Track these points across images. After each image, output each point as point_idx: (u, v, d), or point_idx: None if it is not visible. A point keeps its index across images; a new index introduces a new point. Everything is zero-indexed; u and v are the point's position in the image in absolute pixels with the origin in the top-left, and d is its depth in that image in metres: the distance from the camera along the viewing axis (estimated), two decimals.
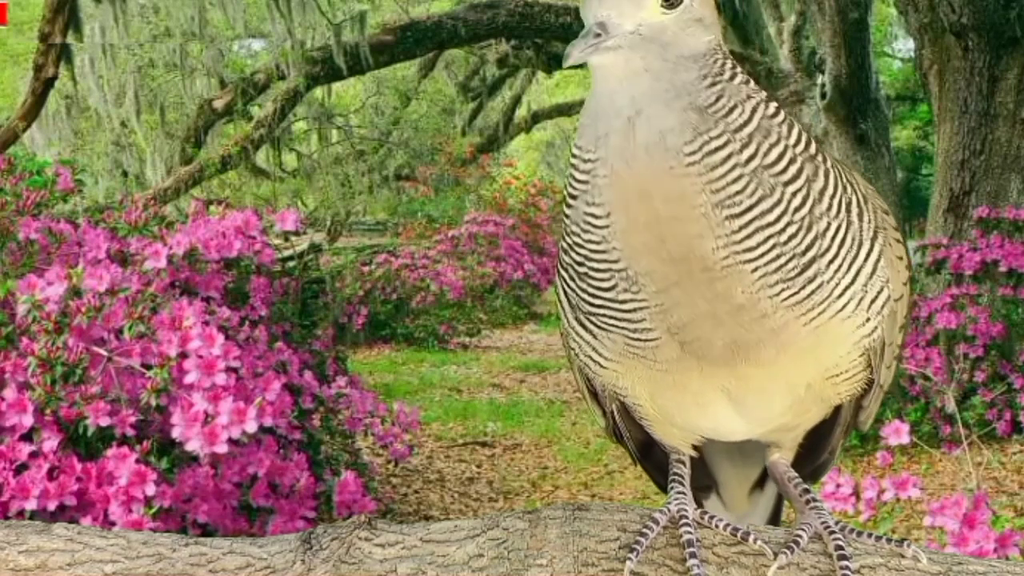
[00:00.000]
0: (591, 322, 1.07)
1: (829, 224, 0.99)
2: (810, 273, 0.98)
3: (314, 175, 14.72)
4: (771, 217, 0.96)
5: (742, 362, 1.02)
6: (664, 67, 0.98)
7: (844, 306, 1.02)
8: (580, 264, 1.03)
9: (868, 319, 1.05)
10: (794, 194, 0.98)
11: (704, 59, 0.99)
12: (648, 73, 0.98)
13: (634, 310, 1.01)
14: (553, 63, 12.54)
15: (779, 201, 0.97)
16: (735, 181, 0.96)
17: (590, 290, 1.04)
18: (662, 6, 0.99)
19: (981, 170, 6.18)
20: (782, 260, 0.97)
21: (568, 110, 16.39)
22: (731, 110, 0.97)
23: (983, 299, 5.32)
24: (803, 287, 0.98)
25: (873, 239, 1.05)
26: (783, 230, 0.97)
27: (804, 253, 0.98)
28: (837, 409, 1.19)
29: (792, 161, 0.98)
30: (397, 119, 16.06)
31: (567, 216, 1.04)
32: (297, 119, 13.73)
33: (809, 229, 0.98)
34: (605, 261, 1.00)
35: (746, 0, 8.83)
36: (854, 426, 1.25)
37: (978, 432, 4.77)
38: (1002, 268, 5.33)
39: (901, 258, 1.10)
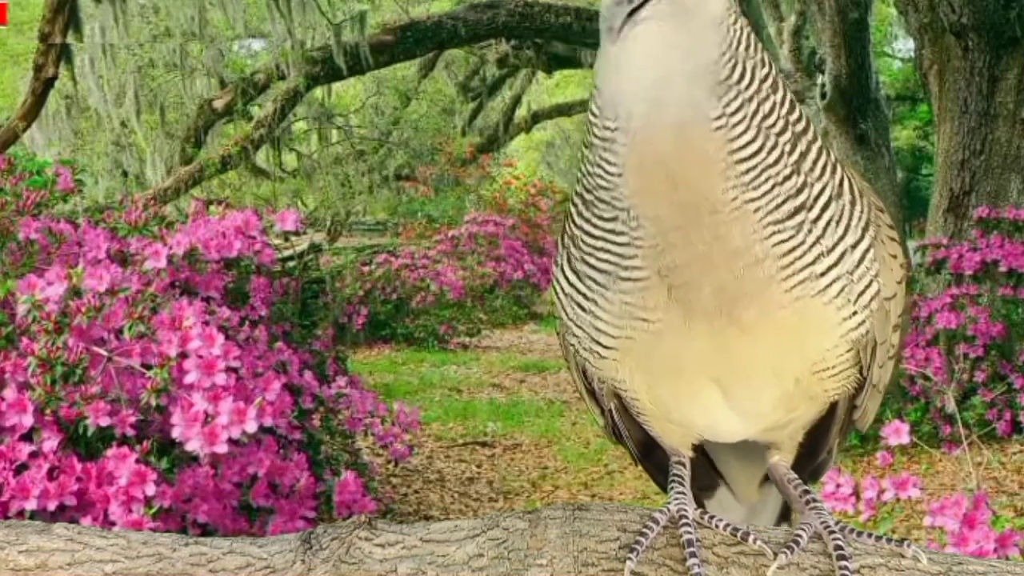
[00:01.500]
0: (586, 263, 1.08)
1: (813, 183, 1.04)
2: (798, 219, 1.02)
3: (314, 175, 14.72)
4: (771, 159, 1.02)
5: (726, 319, 1.04)
6: (689, 42, 1.00)
7: (827, 286, 1.04)
8: (588, 192, 1.07)
9: (855, 312, 1.06)
10: (786, 142, 1.03)
11: (722, 27, 1.02)
12: (675, 49, 1.00)
13: (627, 244, 1.04)
14: (553, 63, 12.56)
15: (775, 145, 1.02)
16: (746, 132, 1.01)
17: (593, 219, 1.07)
18: None
19: (981, 170, 6.18)
20: (778, 199, 1.02)
21: (568, 110, 16.40)
22: (741, 76, 1.02)
23: (983, 299, 5.32)
24: (791, 236, 1.02)
25: (864, 229, 1.07)
26: (780, 171, 1.02)
27: (796, 195, 1.03)
28: (832, 409, 1.19)
29: (779, 117, 1.04)
30: (397, 119, 16.05)
31: (585, 153, 1.08)
32: (297, 119, 13.73)
33: (798, 173, 1.03)
34: (612, 196, 1.04)
35: (746, 0, 8.83)
36: (851, 426, 1.25)
37: (978, 432, 4.77)
38: (1002, 268, 5.33)
39: (895, 257, 1.11)
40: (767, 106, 1.03)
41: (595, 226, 1.07)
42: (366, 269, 10.18)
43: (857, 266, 1.06)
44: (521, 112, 15.86)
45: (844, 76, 7.81)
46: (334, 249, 12.49)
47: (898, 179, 9.59)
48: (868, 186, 1.14)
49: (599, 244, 1.06)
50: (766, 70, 1.05)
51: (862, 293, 1.06)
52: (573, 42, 10.39)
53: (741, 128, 1.01)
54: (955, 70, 6.29)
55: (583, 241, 1.08)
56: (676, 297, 1.04)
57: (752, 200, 1.01)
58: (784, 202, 1.02)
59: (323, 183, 14.91)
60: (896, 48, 19.10)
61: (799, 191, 1.03)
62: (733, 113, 1.01)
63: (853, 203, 1.07)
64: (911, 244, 7.16)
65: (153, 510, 2.30)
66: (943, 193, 6.32)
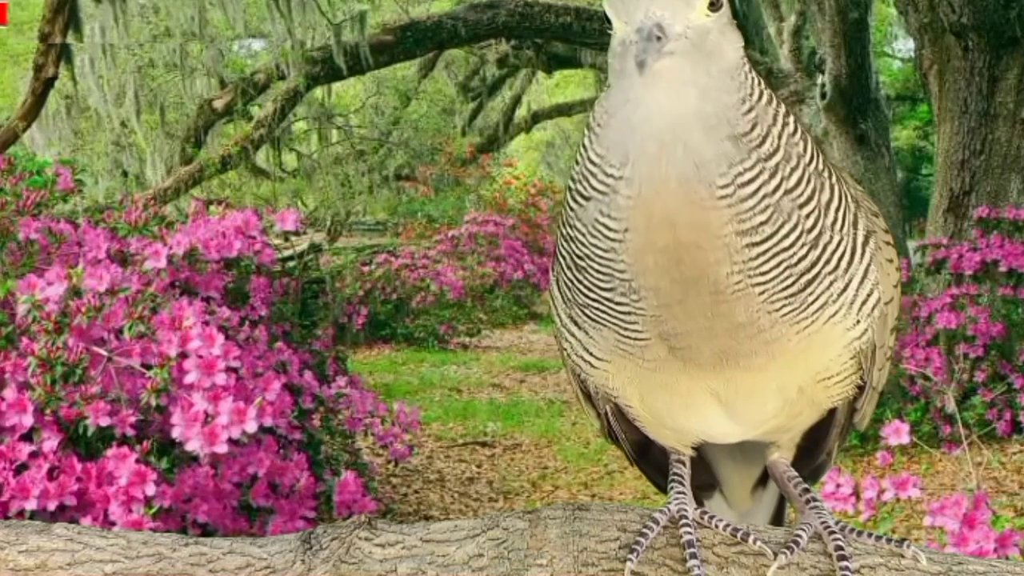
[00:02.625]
0: (584, 314, 1.06)
1: (832, 238, 1.00)
2: (810, 289, 0.99)
3: (314, 175, 14.72)
4: (787, 243, 0.96)
5: (731, 368, 1.03)
6: (709, 84, 0.94)
7: (836, 312, 1.02)
8: (580, 259, 1.02)
9: (858, 321, 1.05)
10: (807, 216, 0.97)
11: (738, 73, 0.96)
12: (694, 90, 0.94)
13: (628, 313, 1.01)
14: (553, 63, 12.55)
15: (795, 226, 0.96)
16: (761, 212, 0.95)
17: (587, 283, 1.03)
18: (708, 8, 0.95)
19: (981, 170, 6.18)
20: (789, 280, 0.97)
21: (568, 110, 16.39)
22: (764, 139, 0.95)
23: (983, 299, 5.32)
24: (803, 302, 0.99)
25: (865, 243, 1.05)
26: (795, 253, 0.97)
27: (809, 271, 0.98)
28: (832, 411, 1.19)
29: (808, 182, 0.98)
30: (397, 119, 16.05)
31: (572, 211, 1.01)
32: (297, 119, 13.72)
33: (815, 247, 0.98)
34: (610, 267, 0.99)
35: (746, 0, 8.83)
36: (850, 428, 1.25)
37: (978, 432, 4.77)
38: (1002, 268, 5.33)
39: (891, 260, 1.10)
40: (793, 178, 0.96)
41: (590, 290, 1.02)
42: (366, 269, 10.18)
43: (862, 282, 1.04)
44: (521, 112, 15.85)
45: (844, 76, 7.82)
46: (334, 249, 12.49)
47: (898, 179, 9.59)
48: (862, 190, 1.13)
49: (595, 305, 1.03)
50: (791, 127, 0.98)
51: (864, 303, 1.05)
52: (573, 42, 10.39)
53: (752, 204, 0.94)
54: (955, 70, 6.28)
55: (578, 295, 1.05)
56: (677, 355, 1.02)
57: (759, 284, 0.96)
58: (796, 280, 0.97)
59: (323, 183, 14.91)
60: (896, 48, 19.10)
61: (812, 266, 0.98)
62: (745, 185, 0.94)
63: (855, 223, 1.03)
64: (911, 244, 7.17)
65: (153, 510, 2.30)
66: (943, 193, 6.32)
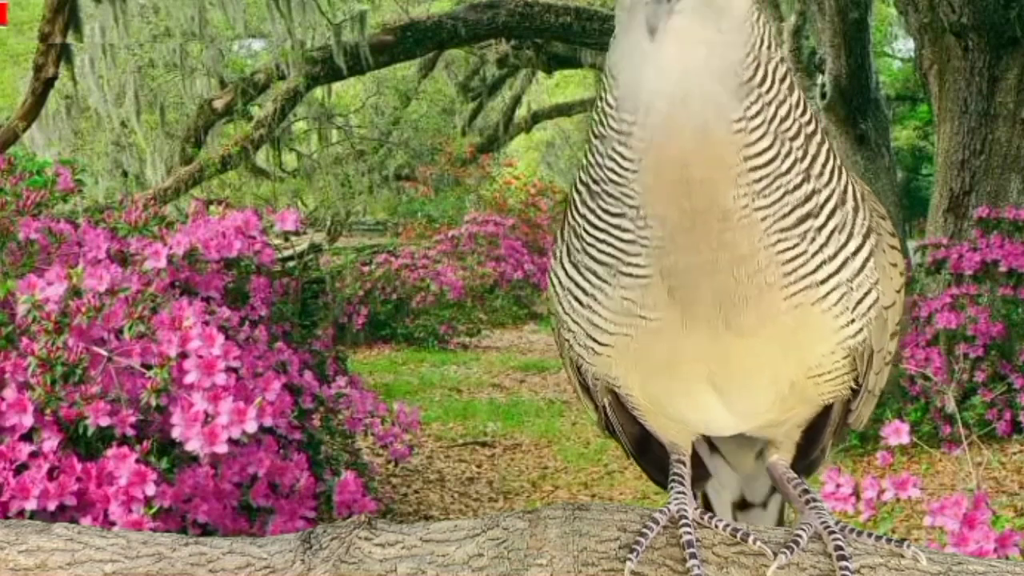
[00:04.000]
0: (588, 254, 1.07)
1: (821, 189, 1.03)
2: (803, 228, 1.02)
3: (314, 175, 14.72)
4: (784, 167, 1.01)
5: (724, 325, 1.03)
6: (718, 40, 0.98)
7: (827, 294, 1.04)
8: (595, 183, 1.05)
9: (853, 320, 1.06)
10: (799, 147, 1.02)
11: (746, 26, 1.01)
12: (703, 47, 0.98)
13: (632, 242, 1.03)
14: (553, 63, 12.56)
15: (789, 152, 1.01)
16: (764, 138, 1.00)
17: (598, 211, 1.05)
18: None
19: (981, 170, 6.18)
20: (787, 208, 1.01)
21: (568, 110, 16.40)
22: (763, 79, 1.01)
23: (983, 299, 5.32)
24: (795, 244, 1.01)
25: (865, 236, 1.06)
26: (791, 180, 1.01)
27: (803, 204, 1.02)
28: (828, 409, 1.19)
29: (794, 121, 1.03)
30: (397, 119, 16.05)
31: (592, 142, 1.06)
32: (297, 119, 13.73)
33: (808, 180, 1.02)
34: (621, 192, 1.03)
35: None
36: (845, 428, 1.25)
37: (978, 432, 4.77)
38: (1002, 268, 5.33)
39: (895, 265, 1.11)
40: (784, 110, 1.02)
41: (599, 218, 1.05)
42: (366, 269, 10.18)
43: (857, 274, 1.05)
44: (521, 112, 15.85)
45: (844, 76, 7.81)
46: (334, 249, 12.49)
47: (898, 179, 9.59)
48: (869, 191, 1.14)
49: (602, 237, 1.05)
50: (784, 70, 1.04)
51: (860, 301, 1.06)
52: (573, 42, 10.39)
53: (759, 134, 1.00)
54: (955, 70, 6.28)
55: (586, 232, 1.07)
56: (676, 298, 1.03)
57: (762, 208, 1.00)
58: (792, 210, 1.01)
59: (323, 183, 14.91)
60: (896, 48, 19.10)
61: (808, 199, 1.02)
62: (753, 117, 0.99)
63: (856, 209, 1.06)
64: (911, 244, 7.17)
65: (153, 510, 2.30)
66: (943, 193, 6.32)
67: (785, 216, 1.01)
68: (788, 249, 1.01)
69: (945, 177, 6.34)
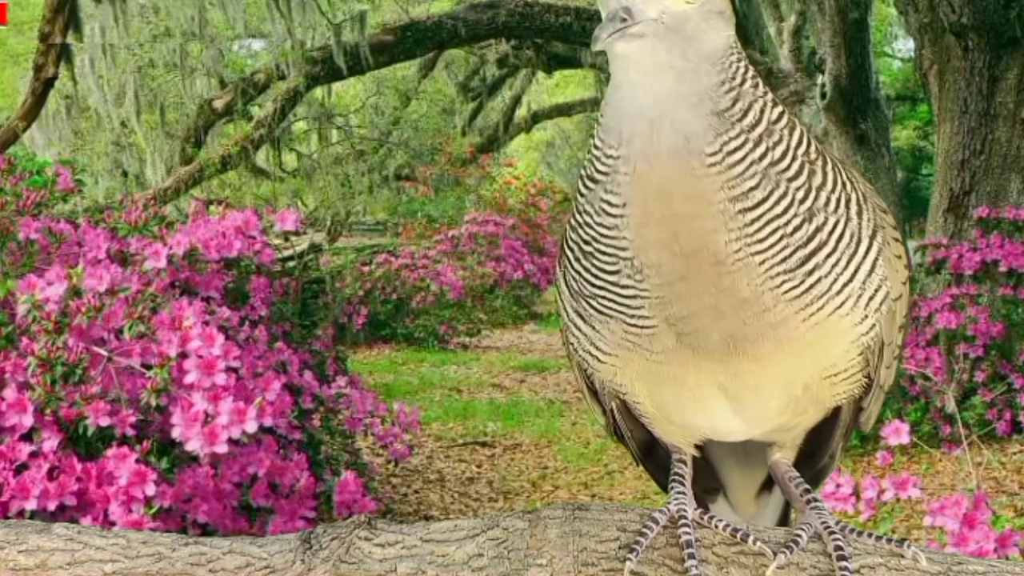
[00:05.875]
0: (590, 306, 1.07)
1: (827, 219, 1.01)
2: (810, 266, 1.00)
3: (314, 175, 14.72)
4: (779, 209, 0.99)
5: (738, 356, 1.03)
6: (686, 67, 0.98)
7: (842, 303, 1.03)
8: (587, 243, 1.04)
9: (866, 316, 1.05)
10: (798, 188, 1.00)
11: (722, 61, 1.00)
12: (671, 71, 0.98)
13: (633, 297, 1.02)
14: (553, 63, 12.56)
15: (785, 194, 0.99)
16: (750, 178, 0.98)
17: (593, 270, 1.04)
18: None
19: (981, 170, 6.18)
20: (787, 251, 0.99)
21: (568, 110, 16.40)
22: (745, 112, 0.99)
23: (983, 299, 5.32)
24: (803, 280, 1.00)
25: (872, 237, 1.05)
26: (789, 222, 0.99)
27: (806, 244, 1.00)
28: (836, 411, 1.19)
29: (794, 159, 1.01)
30: (397, 119, 16.05)
31: (582, 195, 1.05)
32: (297, 119, 13.73)
33: (810, 221, 1.00)
34: (614, 247, 1.01)
35: (746, 0, 8.83)
36: (855, 429, 1.25)
37: (978, 432, 4.77)
38: (1002, 268, 5.33)
39: (900, 257, 1.10)
40: (778, 150, 0.99)
41: (596, 277, 1.04)
42: (366, 269, 10.18)
43: (869, 275, 1.04)
44: (521, 112, 15.85)
45: (844, 76, 7.81)
46: (334, 249, 12.49)
47: (898, 179, 9.59)
48: (870, 187, 1.14)
49: (601, 293, 1.04)
50: (779, 112, 1.01)
51: (872, 298, 1.05)
52: (573, 42, 10.39)
53: (741, 170, 0.97)
54: (955, 70, 6.29)
55: (584, 288, 1.06)
56: (685, 343, 1.02)
57: (758, 253, 0.98)
58: (793, 252, 0.99)
59: (323, 183, 14.91)
60: (896, 48, 19.11)
61: (809, 240, 1.00)
62: (732, 152, 0.97)
63: (861, 213, 1.05)
64: (911, 244, 7.16)
65: (153, 510, 2.30)
66: (943, 193, 6.32)
67: (786, 259, 0.99)
68: (795, 287, 1.00)
69: (945, 177, 6.34)
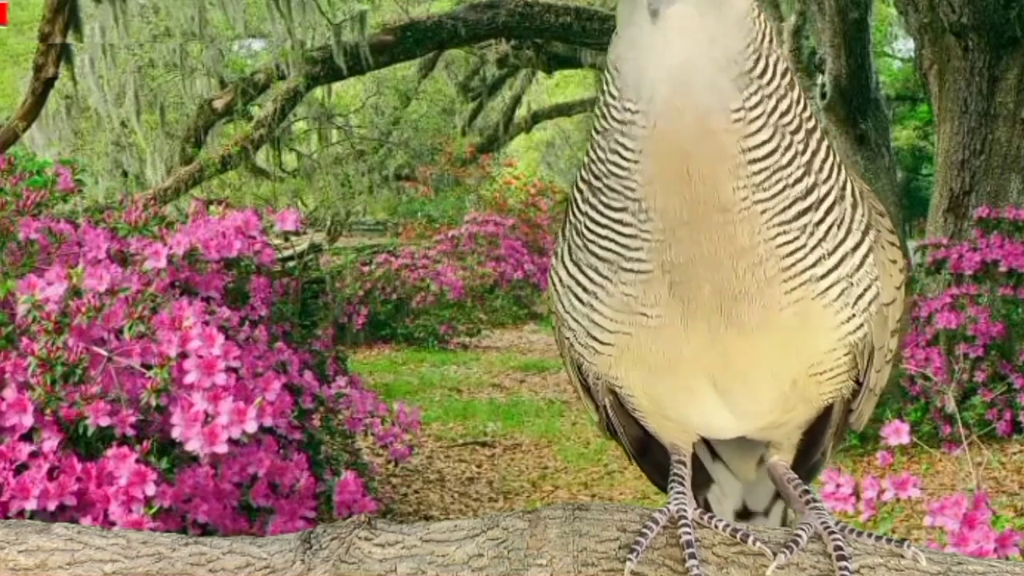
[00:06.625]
0: (589, 251, 1.08)
1: (820, 184, 1.04)
2: (804, 220, 1.03)
3: (314, 175, 14.72)
4: (784, 160, 1.02)
5: (726, 316, 1.04)
6: (719, 31, 1.00)
7: (827, 290, 1.04)
8: (597, 178, 1.06)
9: (853, 315, 1.06)
10: (799, 141, 1.04)
11: (746, 20, 1.03)
12: (704, 35, 1.00)
13: (634, 236, 1.04)
14: (553, 63, 12.56)
15: (790, 146, 1.02)
16: (764, 130, 1.01)
17: (600, 207, 1.06)
18: None
19: (981, 170, 6.18)
20: (787, 202, 1.02)
21: (568, 110, 16.40)
22: (763, 71, 1.02)
23: (983, 299, 5.32)
24: (795, 239, 1.02)
25: (864, 232, 1.07)
26: (791, 173, 1.02)
27: (804, 197, 1.03)
28: (828, 410, 1.19)
29: (795, 116, 1.04)
30: (397, 119, 16.05)
31: (594, 138, 1.07)
32: (297, 119, 13.73)
33: (808, 174, 1.03)
34: (623, 186, 1.04)
35: None
36: (846, 428, 1.25)
37: (978, 432, 4.77)
38: (1002, 268, 5.33)
39: (895, 262, 1.11)
40: (784, 104, 1.03)
41: (601, 214, 1.06)
42: (366, 269, 10.18)
43: (857, 269, 1.06)
44: (521, 112, 15.85)
45: (844, 76, 7.81)
46: (334, 249, 12.49)
47: (898, 179, 9.59)
48: (869, 189, 1.14)
49: (604, 233, 1.06)
50: (785, 66, 1.05)
51: (861, 296, 1.06)
52: (573, 42, 10.40)
53: (758, 125, 1.01)
54: (955, 70, 6.28)
55: (587, 228, 1.08)
56: (677, 294, 1.04)
57: (761, 201, 1.01)
58: (792, 204, 1.02)
59: (323, 183, 14.91)
60: (896, 48, 19.10)
61: (807, 193, 1.03)
62: (752, 108, 1.01)
63: (855, 206, 1.07)
64: (911, 244, 7.16)
65: (153, 510, 2.30)
66: (943, 193, 6.32)
67: (785, 209, 1.02)
68: (788, 243, 1.02)
69: (945, 177, 6.34)
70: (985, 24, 6.10)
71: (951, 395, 4.67)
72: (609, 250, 1.06)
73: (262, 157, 13.36)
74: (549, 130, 18.96)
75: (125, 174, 12.81)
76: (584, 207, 1.08)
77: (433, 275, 10.21)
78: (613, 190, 1.04)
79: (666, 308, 1.05)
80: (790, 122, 1.03)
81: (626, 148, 1.03)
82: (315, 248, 6.97)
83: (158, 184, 10.95)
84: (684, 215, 1.01)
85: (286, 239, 4.71)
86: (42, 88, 7.89)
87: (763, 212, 1.01)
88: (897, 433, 2.54)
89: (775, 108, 1.02)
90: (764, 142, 1.01)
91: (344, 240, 15.32)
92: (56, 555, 1.13)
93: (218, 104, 11.16)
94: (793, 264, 1.02)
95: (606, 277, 1.07)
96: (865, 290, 1.07)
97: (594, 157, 1.07)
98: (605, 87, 1.06)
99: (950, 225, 6.19)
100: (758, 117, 1.01)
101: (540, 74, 14.45)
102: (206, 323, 2.55)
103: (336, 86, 13.56)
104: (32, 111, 7.96)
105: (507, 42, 12.06)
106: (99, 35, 9.92)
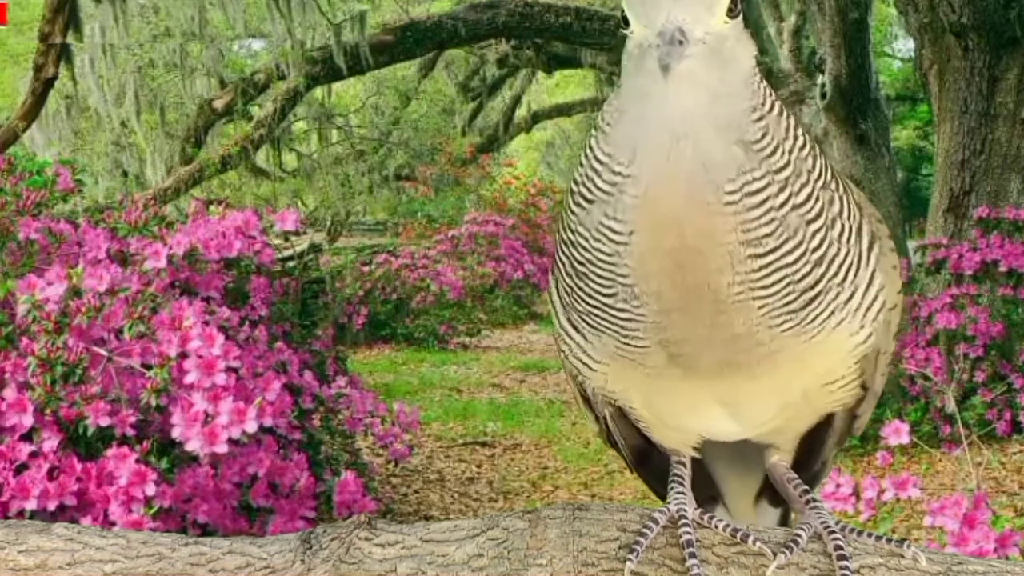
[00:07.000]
0: (584, 322, 1.06)
1: (839, 250, 1.00)
2: (813, 305, 0.99)
3: (314, 175, 14.72)
4: (791, 259, 0.96)
5: (732, 376, 1.03)
6: (722, 89, 0.94)
7: (842, 320, 1.03)
8: (581, 264, 1.01)
9: (863, 326, 1.05)
10: (814, 233, 0.97)
11: (751, 81, 0.97)
12: (707, 93, 0.94)
13: (629, 320, 1.01)
14: (553, 63, 12.55)
15: (800, 242, 0.96)
16: (766, 224, 0.95)
17: (587, 290, 1.02)
18: (726, 15, 0.95)
19: (981, 170, 6.17)
20: (791, 297, 0.97)
21: (568, 110, 16.39)
22: (774, 151, 0.95)
23: (983, 299, 5.32)
24: (805, 318, 0.99)
25: (869, 250, 1.05)
26: (798, 270, 0.97)
27: (812, 288, 0.98)
28: (830, 417, 1.19)
29: (817, 199, 0.97)
30: (397, 119, 16.05)
31: (574, 214, 1.01)
32: (297, 119, 13.73)
33: (820, 265, 0.98)
34: (612, 272, 0.99)
35: (746, 0, 8.82)
36: (848, 435, 1.25)
37: (978, 432, 4.77)
38: (1002, 268, 5.33)
39: (895, 267, 1.10)
40: (803, 194, 0.96)
41: (590, 296, 1.02)
42: (366, 269, 10.18)
43: (867, 288, 1.04)
44: (521, 112, 15.85)
45: (844, 76, 7.81)
46: (334, 249, 12.49)
47: (898, 179, 9.59)
48: (864, 196, 1.12)
49: (596, 312, 1.03)
50: (802, 140, 0.98)
51: (869, 309, 1.05)
52: (573, 42, 10.39)
53: (758, 215, 0.94)
54: (955, 70, 6.28)
55: (576, 303, 1.05)
56: (679, 363, 1.02)
57: (759, 298, 0.96)
58: (798, 297, 0.97)
59: (323, 183, 14.91)
60: (896, 48, 19.10)
61: (817, 283, 0.98)
62: (753, 195, 0.94)
63: (860, 231, 1.03)
64: (911, 244, 7.17)
65: (153, 510, 2.30)
66: (943, 193, 6.32)
67: (789, 303, 0.97)
68: (795, 326, 0.99)
69: (945, 177, 6.34)
70: (985, 24, 6.10)
71: (951, 395, 4.67)
72: (604, 326, 1.03)
73: (262, 157, 13.36)
74: (549, 130, 18.96)
75: (125, 174, 12.81)
76: (570, 283, 1.04)
77: (433, 275, 10.20)
78: (601, 277, 0.99)
79: (667, 369, 1.04)
80: (808, 211, 0.96)
81: (614, 231, 0.96)
82: (315, 248, 6.98)
83: (158, 184, 10.95)
84: (677, 301, 0.96)
85: (286, 239, 4.71)
86: (42, 88, 7.89)
87: (760, 307, 0.96)
88: (897, 433, 2.54)
89: (786, 201, 0.95)
90: (765, 236, 0.94)
91: (344, 240, 15.33)
92: (56, 555, 1.13)
93: (218, 104, 11.17)
94: (808, 333, 1.00)
95: (603, 343, 1.05)
96: (873, 301, 1.05)
97: (573, 240, 1.00)
98: (590, 151, 0.99)
99: (950, 225, 6.19)
100: (759, 206, 0.94)
101: (540, 74, 14.45)
102: (206, 323, 2.55)
103: (336, 86, 13.56)
104: (32, 111, 7.96)
105: (507, 42, 12.05)
106: (99, 35, 9.92)
